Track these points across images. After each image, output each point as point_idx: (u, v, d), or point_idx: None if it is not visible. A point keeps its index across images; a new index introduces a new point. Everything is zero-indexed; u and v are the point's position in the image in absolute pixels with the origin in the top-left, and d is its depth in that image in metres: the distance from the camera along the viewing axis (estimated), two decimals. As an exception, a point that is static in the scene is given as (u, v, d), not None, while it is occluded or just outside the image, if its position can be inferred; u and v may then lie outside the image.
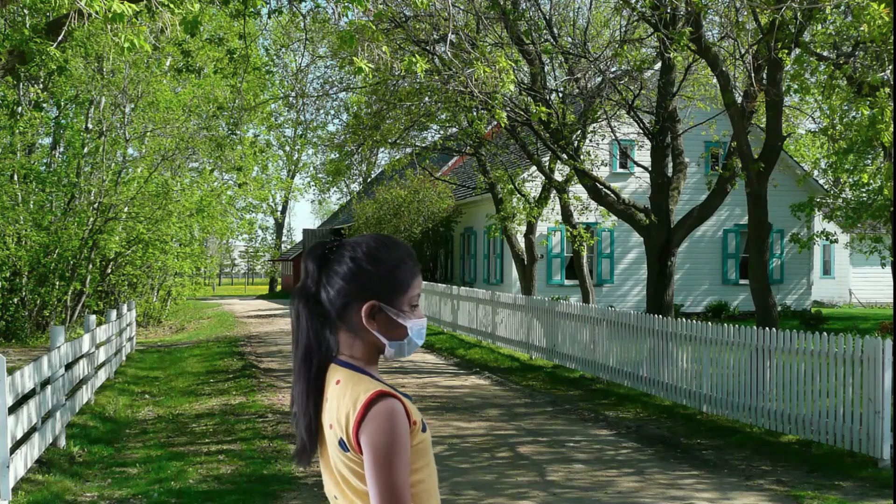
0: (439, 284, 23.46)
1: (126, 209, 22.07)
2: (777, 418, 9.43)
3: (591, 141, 17.44)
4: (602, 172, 21.98)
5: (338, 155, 23.71)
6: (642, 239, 15.17)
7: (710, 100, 17.24)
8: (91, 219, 21.16)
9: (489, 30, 14.88)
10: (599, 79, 15.10)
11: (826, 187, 26.89)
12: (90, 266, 21.72)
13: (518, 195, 20.51)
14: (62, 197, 21.78)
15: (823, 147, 27.55)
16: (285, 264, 49.99)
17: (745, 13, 12.26)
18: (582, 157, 16.07)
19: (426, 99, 18.12)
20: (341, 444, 1.98)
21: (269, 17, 12.90)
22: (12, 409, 6.89)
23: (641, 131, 14.89)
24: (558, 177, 19.16)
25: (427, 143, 24.44)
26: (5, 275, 19.99)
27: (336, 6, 9.84)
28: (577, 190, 18.74)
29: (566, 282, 24.84)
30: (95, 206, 21.40)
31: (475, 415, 10.81)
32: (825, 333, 8.85)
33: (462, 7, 14.63)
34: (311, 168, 48.67)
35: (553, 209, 20.39)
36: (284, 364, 15.74)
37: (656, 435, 9.69)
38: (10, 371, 7.03)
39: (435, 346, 18.79)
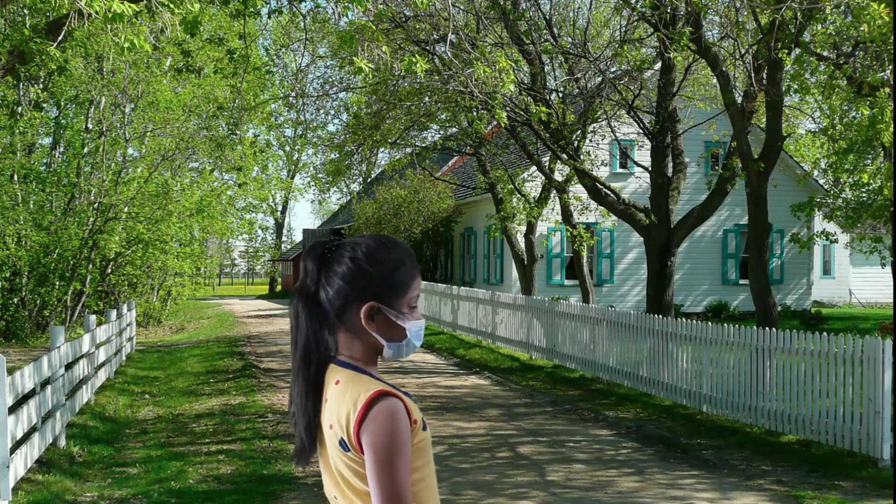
0: (439, 284, 23.46)
1: (126, 209, 22.08)
2: (777, 418, 9.43)
3: (591, 141, 17.44)
4: (602, 172, 21.98)
5: (338, 155, 23.71)
6: (642, 239, 15.17)
7: (710, 100, 17.24)
8: (91, 219, 21.16)
9: (489, 30, 14.88)
10: (599, 79, 15.10)
11: (826, 187, 26.89)
12: (90, 266, 21.72)
13: (518, 195, 20.51)
14: (62, 197, 21.78)
15: (823, 147, 27.56)
16: (285, 264, 49.99)
17: (745, 13, 12.26)
18: (582, 157, 16.07)
19: (426, 99, 18.12)
20: (342, 444, 1.97)
21: (269, 17, 12.90)
22: (12, 409, 6.89)
23: (641, 131, 14.88)
24: (558, 177, 19.16)
25: (427, 143, 24.45)
26: (5, 275, 19.99)
27: (336, 6, 9.84)
28: (577, 190, 18.73)
29: (566, 282, 24.84)
30: (95, 206, 21.40)
31: (475, 415, 10.81)
32: (825, 333, 8.85)
33: (462, 7, 14.63)
34: (311, 168, 48.71)
35: (553, 209, 20.39)
36: (284, 364, 15.74)
37: (656, 435, 9.69)
38: (10, 371, 7.03)
39: (435, 346, 18.80)
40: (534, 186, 21.99)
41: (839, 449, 8.59)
